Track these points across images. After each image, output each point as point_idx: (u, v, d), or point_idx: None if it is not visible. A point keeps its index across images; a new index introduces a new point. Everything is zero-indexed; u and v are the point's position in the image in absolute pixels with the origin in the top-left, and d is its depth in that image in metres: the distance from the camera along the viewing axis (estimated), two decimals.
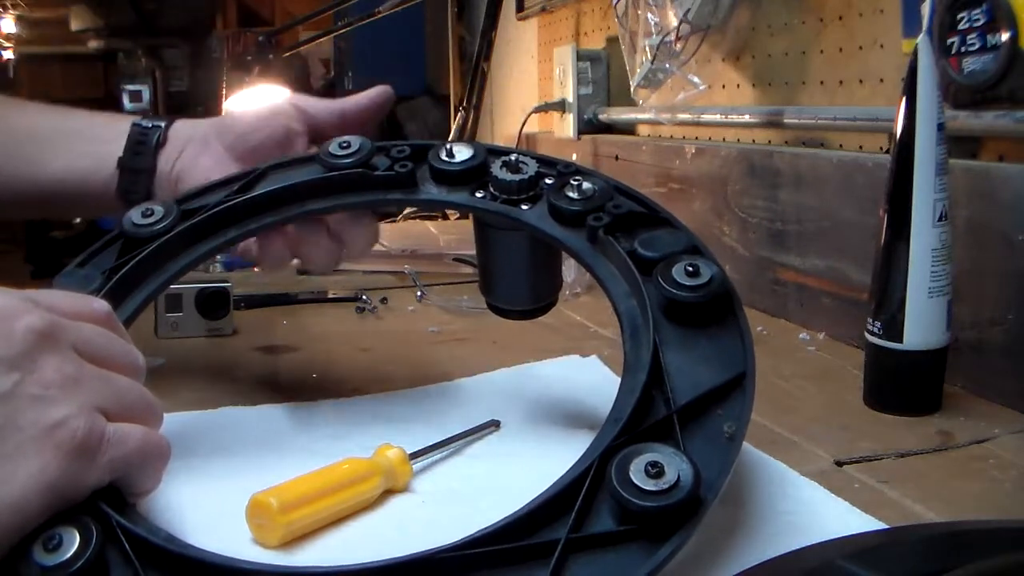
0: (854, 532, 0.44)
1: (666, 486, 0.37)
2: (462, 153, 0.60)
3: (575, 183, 0.55)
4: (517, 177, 0.57)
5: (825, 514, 0.48)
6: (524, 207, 0.57)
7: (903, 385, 0.63)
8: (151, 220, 0.58)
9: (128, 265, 0.55)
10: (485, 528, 0.37)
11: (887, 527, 0.45)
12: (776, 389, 0.70)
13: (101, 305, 0.45)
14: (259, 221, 0.60)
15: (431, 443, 0.55)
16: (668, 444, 0.40)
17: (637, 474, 0.38)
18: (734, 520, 0.48)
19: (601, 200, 0.54)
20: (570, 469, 0.40)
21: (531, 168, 0.57)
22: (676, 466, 0.38)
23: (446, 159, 0.60)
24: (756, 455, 0.55)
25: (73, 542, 0.37)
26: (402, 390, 0.69)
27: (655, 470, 0.38)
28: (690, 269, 0.48)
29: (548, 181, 0.57)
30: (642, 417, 0.42)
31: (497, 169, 0.58)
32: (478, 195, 0.58)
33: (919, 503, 0.50)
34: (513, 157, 0.58)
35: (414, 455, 0.52)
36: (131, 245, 0.57)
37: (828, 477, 0.53)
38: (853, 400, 0.66)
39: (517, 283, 0.64)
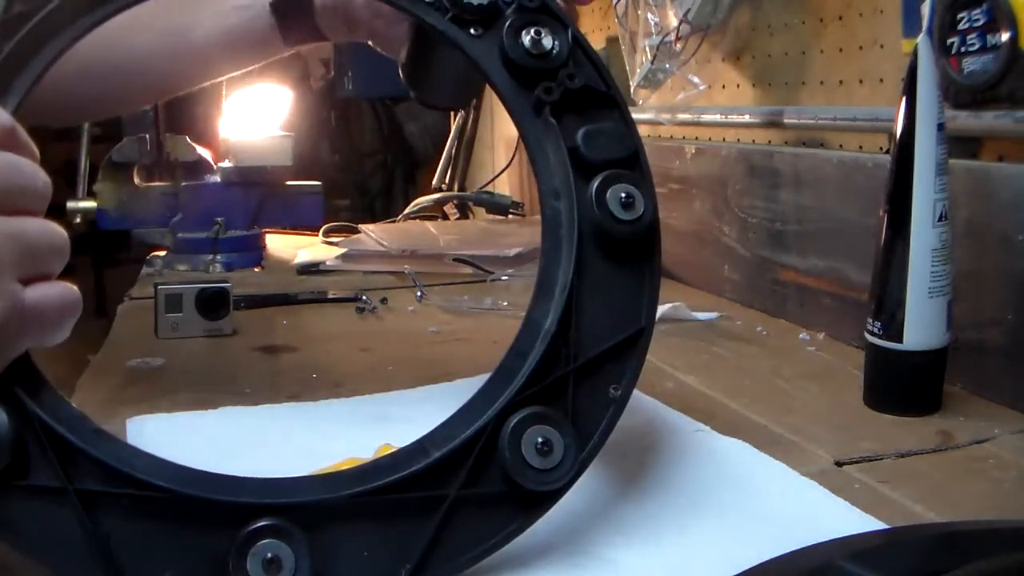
0: (854, 532, 0.44)
1: (552, 465, 0.43)
2: None
3: (536, 34, 0.50)
4: (476, 0, 0.51)
5: (825, 514, 0.48)
6: (473, 32, 0.51)
7: (903, 385, 0.63)
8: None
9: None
10: (383, 477, 0.41)
11: (887, 527, 0.45)
12: (776, 389, 0.70)
13: (4, 119, 0.39)
14: None
15: None
16: (559, 408, 0.44)
17: (528, 448, 0.42)
18: (734, 520, 0.48)
19: (556, 63, 0.50)
20: (467, 410, 0.43)
21: None
22: (564, 444, 0.43)
23: None
24: (756, 455, 0.55)
25: None
26: (402, 390, 0.69)
27: (545, 448, 0.43)
28: (625, 198, 0.47)
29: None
30: (544, 371, 0.44)
31: None
32: None
33: (919, 503, 0.50)
34: None
35: None
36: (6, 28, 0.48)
37: (828, 477, 0.53)
38: (853, 400, 0.66)
39: (448, 84, 0.63)
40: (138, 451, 0.40)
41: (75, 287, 0.39)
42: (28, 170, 0.39)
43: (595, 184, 0.48)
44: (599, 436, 0.45)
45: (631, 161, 0.49)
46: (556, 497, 0.43)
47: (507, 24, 0.50)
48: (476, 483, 0.42)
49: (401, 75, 0.66)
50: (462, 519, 0.42)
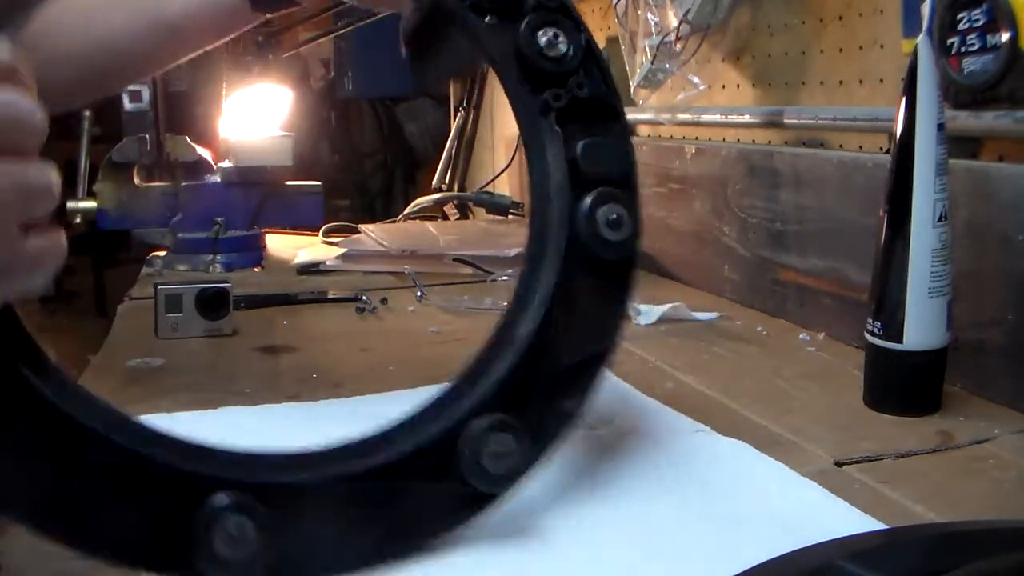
0: (854, 532, 0.44)
1: (504, 471, 0.44)
2: None
3: (553, 36, 0.50)
4: None
5: (825, 514, 0.48)
6: (489, 20, 0.50)
7: (903, 385, 0.63)
8: None
9: None
10: (351, 466, 0.43)
11: (887, 527, 0.45)
12: (776, 389, 0.70)
13: (3, 52, 0.37)
14: None
15: None
16: (520, 416, 0.45)
17: (487, 456, 0.44)
18: (733, 520, 0.48)
19: (569, 67, 0.50)
20: (434, 408, 0.46)
21: None
22: (519, 453, 0.44)
23: None
24: (756, 455, 0.55)
25: None
26: (402, 390, 0.69)
27: (501, 454, 0.44)
28: (613, 218, 0.48)
29: None
30: (512, 378, 0.46)
31: None
32: None
33: (919, 503, 0.50)
34: None
35: None
36: None
37: (828, 477, 0.53)
38: (853, 400, 0.66)
39: (446, 71, 0.64)
40: (121, 414, 0.41)
41: (63, 230, 0.39)
42: (27, 109, 0.37)
43: (587, 201, 0.48)
44: (552, 447, 0.46)
45: (623, 181, 0.50)
46: (501, 498, 0.45)
47: (526, 20, 0.49)
48: (437, 478, 0.44)
49: (402, 45, 0.64)
50: (419, 508, 0.44)
